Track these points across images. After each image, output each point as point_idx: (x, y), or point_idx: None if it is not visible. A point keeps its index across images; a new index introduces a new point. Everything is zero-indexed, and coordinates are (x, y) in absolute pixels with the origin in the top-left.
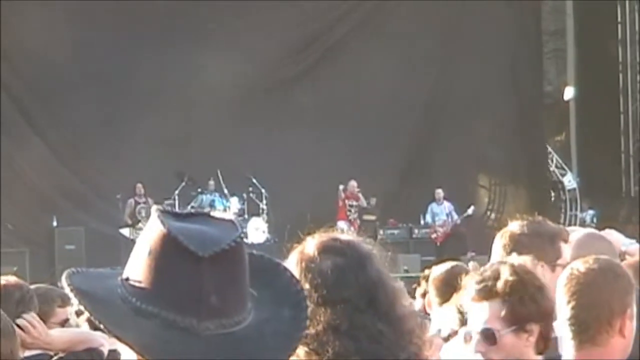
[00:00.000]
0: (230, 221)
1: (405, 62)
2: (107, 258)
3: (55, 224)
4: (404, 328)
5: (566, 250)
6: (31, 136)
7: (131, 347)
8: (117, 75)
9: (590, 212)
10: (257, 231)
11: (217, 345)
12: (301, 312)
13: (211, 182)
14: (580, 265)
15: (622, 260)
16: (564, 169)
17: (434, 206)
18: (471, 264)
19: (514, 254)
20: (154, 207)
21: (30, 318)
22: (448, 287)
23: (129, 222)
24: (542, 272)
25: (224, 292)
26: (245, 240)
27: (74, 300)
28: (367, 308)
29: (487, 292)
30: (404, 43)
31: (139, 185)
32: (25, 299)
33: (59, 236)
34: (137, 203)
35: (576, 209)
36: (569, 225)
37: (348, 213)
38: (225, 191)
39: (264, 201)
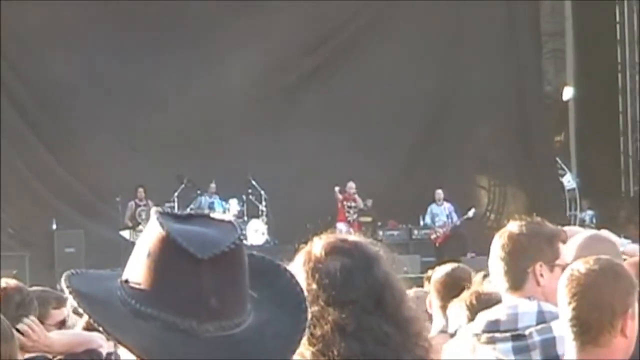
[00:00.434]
0: (230, 223)
1: (405, 63)
2: (107, 261)
3: (54, 226)
4: (410, 330)
5: (564, 250)
6: (31, 139)
7: (131, 350)
8: (118, 78)
9: (590, 212)
10: (256, 233)
11: (217, 347)
12: (301, 314)
13: (212, 185)
14: (581, 266)
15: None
16: (563, 169)
17: (434, 207)
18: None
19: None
20: (154, 209)
21: (30, 322)
22: (448, 290)
23: (129, 224)
24: (540, 272)
25: (223, 294)
26: (244, 241)
27: (72, 302)
28: (374, 309)
29: None
30: (403, 45)
31: (140, 189)
32: (25, 302)
33: (59, 239)
34: (137, 205)
35: (576, 209)
36: (569, 225)
37: (347, 214)
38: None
39: (264, 203)
